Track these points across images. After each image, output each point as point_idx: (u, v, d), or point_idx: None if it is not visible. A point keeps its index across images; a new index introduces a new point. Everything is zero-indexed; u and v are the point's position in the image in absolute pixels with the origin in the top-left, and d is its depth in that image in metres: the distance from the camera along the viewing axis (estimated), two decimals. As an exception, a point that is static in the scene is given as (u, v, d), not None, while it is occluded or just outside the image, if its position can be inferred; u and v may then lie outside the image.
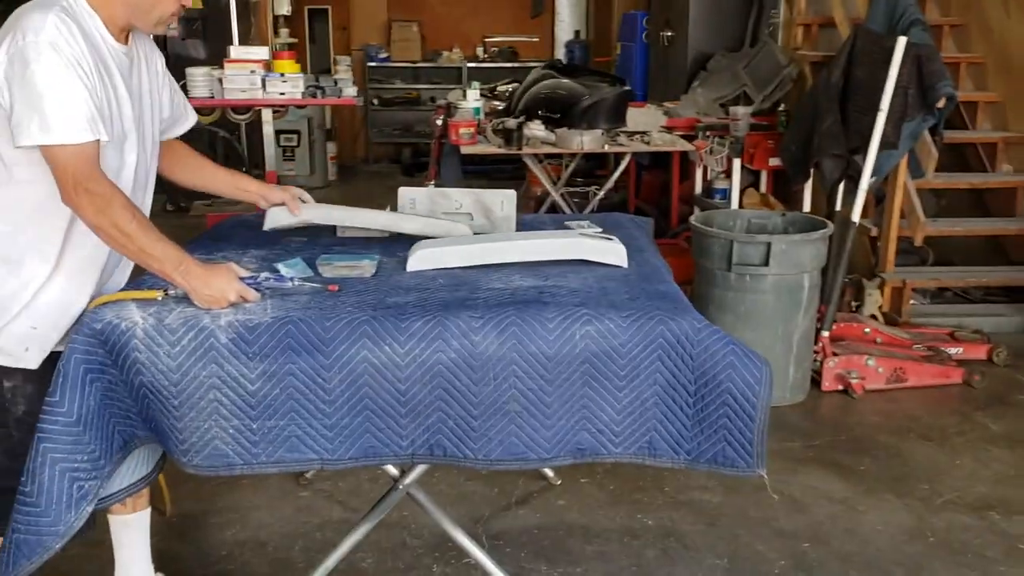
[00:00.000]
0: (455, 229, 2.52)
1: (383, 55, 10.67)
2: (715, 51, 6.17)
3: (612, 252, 2.30)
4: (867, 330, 4.22)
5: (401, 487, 2.32)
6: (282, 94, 4.80)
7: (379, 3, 10.87)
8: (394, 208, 2.78)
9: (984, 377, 3.96)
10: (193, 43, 8.39)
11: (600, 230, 2.69)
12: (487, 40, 10.99)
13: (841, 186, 4.24)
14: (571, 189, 5.45)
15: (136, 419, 1.96)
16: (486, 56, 10.84)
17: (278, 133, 7.75)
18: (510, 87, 5.68)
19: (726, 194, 5.45)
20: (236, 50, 4.75)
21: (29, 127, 1.80)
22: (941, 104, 4.18)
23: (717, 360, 1.88)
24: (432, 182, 6.25)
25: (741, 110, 4.94)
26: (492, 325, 1.90)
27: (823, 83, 4.13)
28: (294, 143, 9.12)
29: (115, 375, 1.91)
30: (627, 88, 4.91)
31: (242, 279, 2.00)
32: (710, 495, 3.03)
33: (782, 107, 5.17)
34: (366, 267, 2.22)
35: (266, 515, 2.93)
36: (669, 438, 1.93)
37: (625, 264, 2.29)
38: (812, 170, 4.32)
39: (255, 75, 4.67)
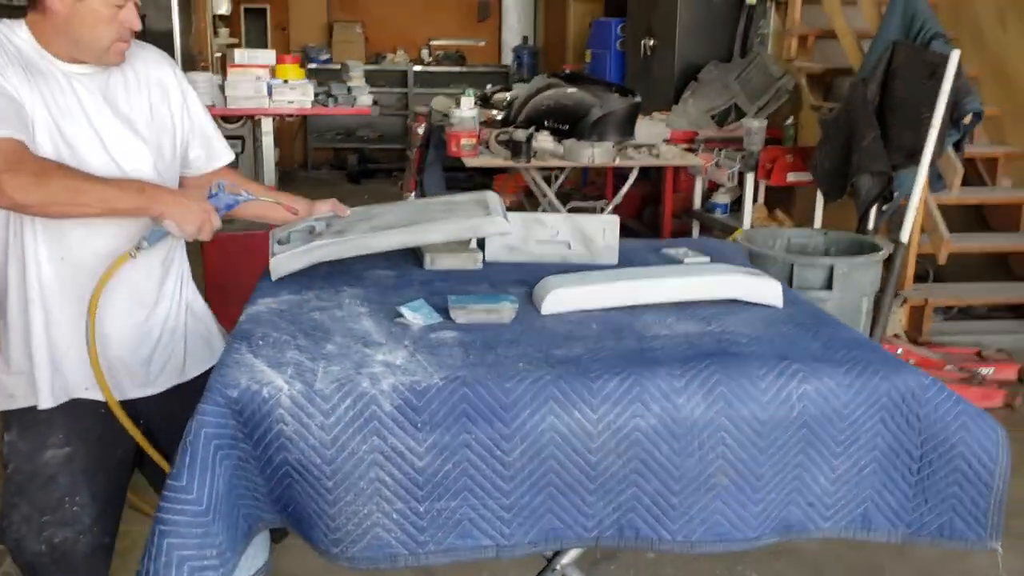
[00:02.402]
0: (485, 226, 2.22)
1: (324, 56, 10.23)
2: (703, 61, 6.03)
3: (768, 290, 2.07)
4: (899, 351, 4.11)
5: (557, 568, 2.03)
6: (291, 102, 4.42)
7: (319, 3, 10.44)
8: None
9: (1025, 399, 3.90)
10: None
11: (708, 259, 2.48)
12: (432, 43, 10.67)
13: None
14: (580, 204, 5.22)
15: (264, 500, 1.63)
16: (431, 59, 10.53)
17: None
18: (508, 95, 5.40)
19: (727, 208, 5.32)
20: (240, 53, 4.32)
21: None
22: (967, 120, 4.11)
23: (948, 422, 1.67)
24: (411, 193, 5.94)
25: (755, 123, 4.80)
26: (697, 384, 1.64)
27: (859, 98, 4.01)
28: (238, 149, 8.63)
29: (247, 450, 1.58)
30: (638, 100, 4.71)
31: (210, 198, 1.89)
32: (806, 544, 2.83)
33: (790, 120, 5.05)
34: (506, 311, 1.93)
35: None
36: (888, 509, 1.71)
37: (781, 304, 2.07)
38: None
39: (260, 81, 4.27)
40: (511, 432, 1.59)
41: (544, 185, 4.86)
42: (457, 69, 10.33)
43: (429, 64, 10.45)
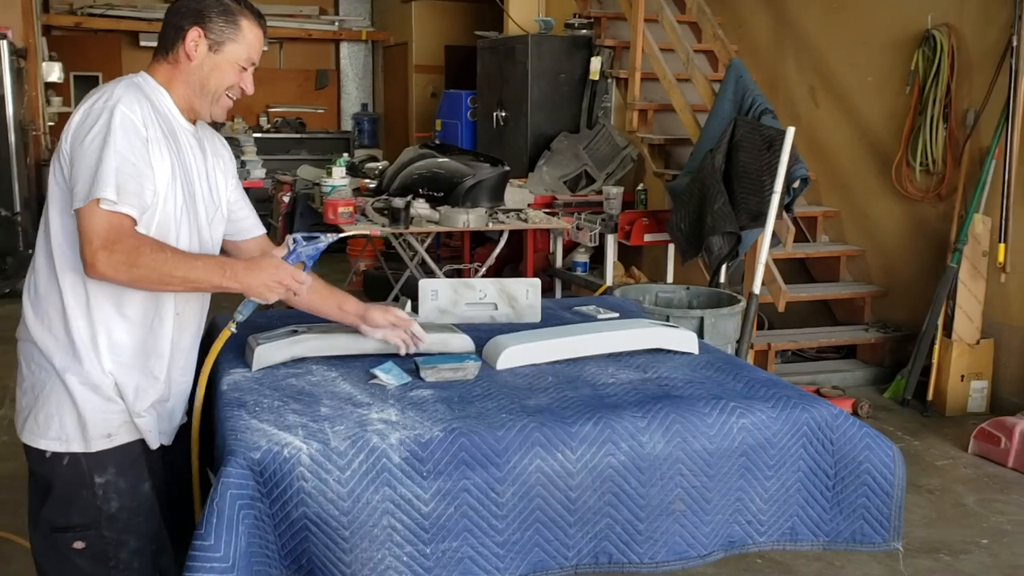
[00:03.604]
0: (453, 341, 2.32)
1: (160, 123, 10.04)
2: (554, 132, 6.47)
3: (685, 340, 2.38)
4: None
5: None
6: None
7: (153, 69, 10.27)
8: (415, 301, 2.70)
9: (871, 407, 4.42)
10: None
11: (616, 314, 2.78)
12: (271, 110, 10.72)
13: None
14: (455, 267, 5.45)
15: (274, 555, 1.76)
16: (271, 126, 10.56)
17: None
18: (379, 164, 5.60)
19: (587, 267, 5.70)
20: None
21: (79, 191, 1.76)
22: (796, 184, 4.68)
23: (855, 444, 2.01)
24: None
25: (614, 190, 5.22)
26: (657, 424, 1.91)
27: (709, 167, 4.49)
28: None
29: (263, 508, 1.71)
30: (507, 169, 5.03)
31: (284, 257, 1.95)
32: (704, 568, 3.13)
33: (641, 186, 5.51)
34: (470, 368, 2.15)
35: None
36: (810, 522, 2.02)
37: (696, 351, 2.38)
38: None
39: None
40: (504, 475, 1.80)
41: (421, 249, 5.08)
42: (297, 135, 10.41)
43: (268, 131, 10.48)
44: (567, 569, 1.89)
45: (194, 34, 1.92)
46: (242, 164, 4.87)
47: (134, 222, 1.77)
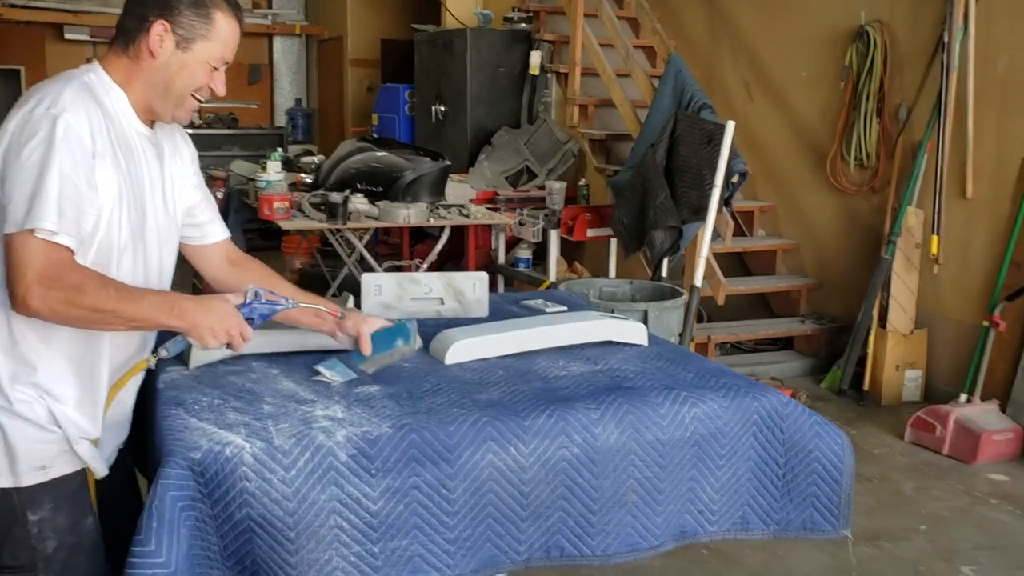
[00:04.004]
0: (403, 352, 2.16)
1: (86, 119, 9.74)
2: (494, 126, 6.43)
3: (635, 332, 2.36)
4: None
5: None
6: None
7: (79, 62, 9.96)
8: (357, 296, 2.64)
9: (809, 398, 4.48)
10: None
11: (565, 308, 2.75)
12: (203, 105, 10.44)
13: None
14: (396, 263, 5.37)
15: (216, 558, 1.68)
16: (202, 122, 10.31)
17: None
18: (315, 159, 5.50)
19: (530, 263, 5.68)
20: None
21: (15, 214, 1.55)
22: (735, 179, 4.72)
23: (805, 432, 2.01)
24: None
25: (557, 185, 5.20)
26: (610, 415, 1.88)
27: (651, 162, 4.50)
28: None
29: (204, 510, 1.64)
30: (448, 163, 4.98)
31: (238, 306, 1.78)
32: (651, 560, 3.13)
33: (583, 181, 5.51)
34: (404, 350, 2.03)
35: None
36: (760, 511, 2.02)
37: (646, 342, 2.36)
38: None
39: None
40: (455, 471, 1.76)
41: (360, 245, 5.00)
42: (230, 131, 10.19)
43: (200, 127, 10.23)
44: (518, 564, 1.86)
45: (159, 28, 1.69)
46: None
47: (73, 253, 1.58)
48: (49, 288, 1.53)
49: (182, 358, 2.09)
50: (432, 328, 2.32)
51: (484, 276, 2.67)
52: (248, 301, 1.80)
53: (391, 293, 2.61)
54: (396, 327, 2.03)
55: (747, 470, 1.99)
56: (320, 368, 2.04)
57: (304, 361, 2.11)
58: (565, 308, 2.73)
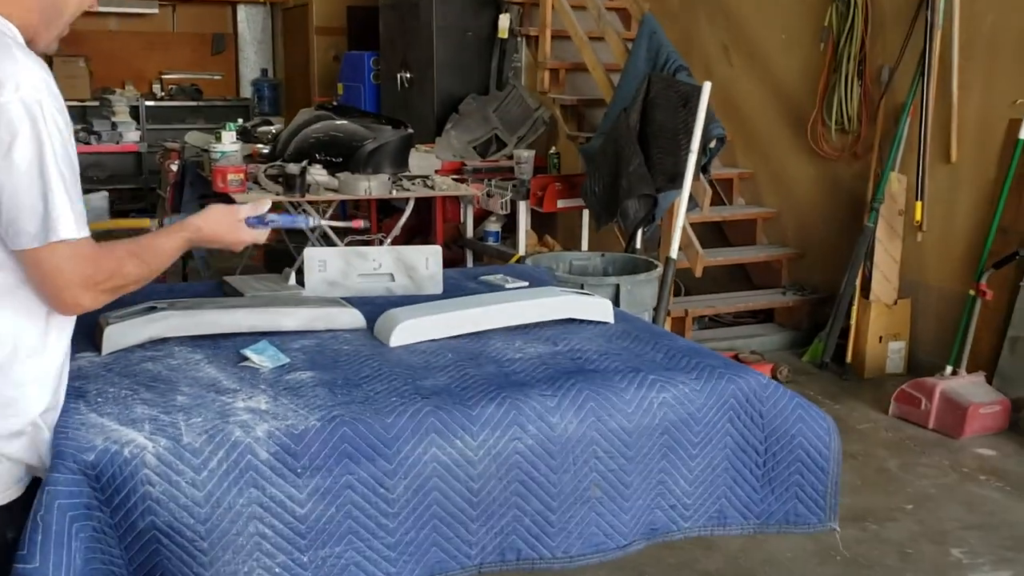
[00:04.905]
0: (340, 316, 2.07)
1: (43, 92, 9.39)
2: (462, 94, 6.19)
3: (599, 308, 2.16)
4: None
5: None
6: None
7: (35, 34, 9.60)
8: (300, 272, 2.42)
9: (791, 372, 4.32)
10: None
11: (526, 283, 2.55)
12: (165, 77, 10.14)
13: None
14: (357, 239, 5.14)
15: (122, 572, 1.48)
16: (165, 94, 9.98)
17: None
18: (272, 128, 5.24)
19: (498, 236, 5.47)
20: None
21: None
22: (712, 144, 4.51)
23: (787, 416, 1.82)
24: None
25: (525, 154, 4.97)
26: (568, 402, 1.68)
27: (624, 127, 4.28)
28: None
29: (103, 519, 1.44)
30: (411, 131, 4.74)
31: (249, 220, 1.73)
32: (624, 547, 2.95)
33: (554, 150, 5.28)
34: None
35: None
36: (739, 503, 1.83)
37: (612, 319, 2.16)
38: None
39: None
40: (394, 468, 1.56)
41: (321, 220, 4.74)
42: (193, 103, 9.86)
43: (162, 99, 9.90)
44: (469, 569, 1.66)
45: None
46: (113, 127, 4.46)
47: (90, 237, 1.48)
48: (93, 287, 1.47)
49: (94, 342, 1.87)
50: (381, 307, 2.11)
51: (438, 250, 2.46)
52: (263, 219, 1.76)
53: (336, 269, 2.39)
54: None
55: (723, 459, 1.81)
56: (248, 352, 1.82)
57: (234, 344, 1.90)
58: (526, 284, 2.53)
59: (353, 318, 2.07)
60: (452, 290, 2.43)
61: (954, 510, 3.28)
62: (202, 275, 5.35)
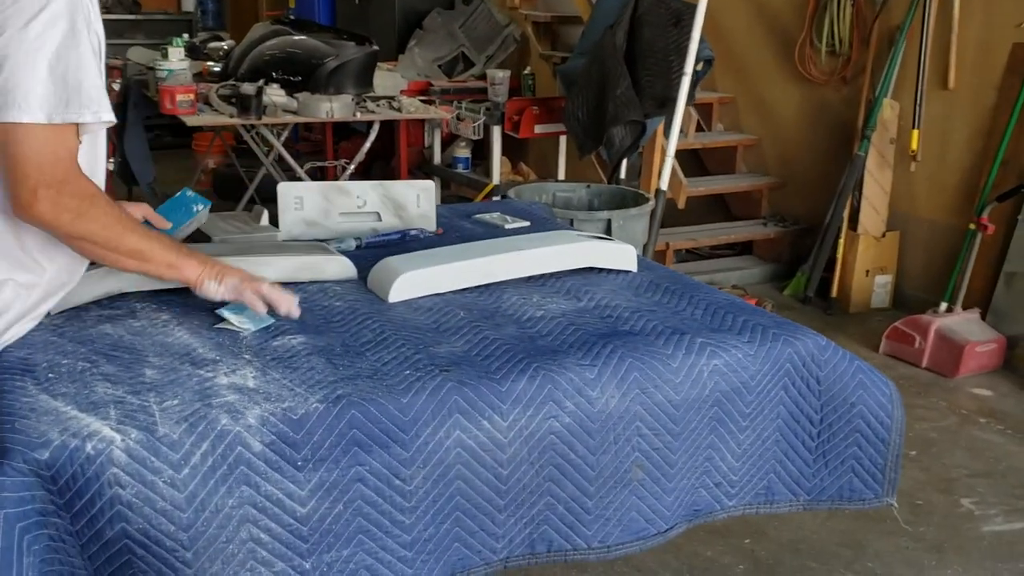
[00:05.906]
0: (327, 265, 1.80)
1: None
2: (426, 8, 5.79)
3: (623, 256, 1.91)
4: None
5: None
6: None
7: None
8: (273, 211, 2.13)
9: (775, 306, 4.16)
10: None
11: (528, 223, 2.29)
12: (99, -12, 9.47)
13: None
14: (318, 163, 4.79)
15: (87, 587, 1.23)
16: (102, 8, 9.33)
17: None
18: (224, 44, 4.83)
19: (468, 164, 5.17)
20: None
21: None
22: (699, 66, 4.23)
23: (846, 382, 1.61)
24: (111, 160, 5.20)
25: (500, 74, 4.64)
26: (610, 373, 1.45)
27: (610, 46, 3.97)
28: None
29: (61, 526, 1.17)
30: (376, 48, 4.38)
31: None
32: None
33: (528, 70, 4.96)
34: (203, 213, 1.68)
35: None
36: (788, 479, 1.63)
37: (635, 268, 1.92)
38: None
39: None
40: (411, 456, 1.31)
41: (278, 143, 4.41)
42: (131, 17, 9.23)
43: (101, 13, 9.25)
44: (494, 565, 1.44)
45: None
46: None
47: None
48: (60, 192, 1.37)
49: None
50: (366, 254, 1.85)
51: (431, 186, 2.19)
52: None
53: (315, 207, 2.11)
54: (179, 196, 1.88)
55: (775, 431, 1.59)
56: (224, 313, 1.55)
57: (205, 302, 1.62)
58: (528, 223, 2.27)
59: (342, 267, 1.80)
60: (445, 231, 2.17)
61: (958, 456, 3.15)
62: (150, 203, 4.96)
